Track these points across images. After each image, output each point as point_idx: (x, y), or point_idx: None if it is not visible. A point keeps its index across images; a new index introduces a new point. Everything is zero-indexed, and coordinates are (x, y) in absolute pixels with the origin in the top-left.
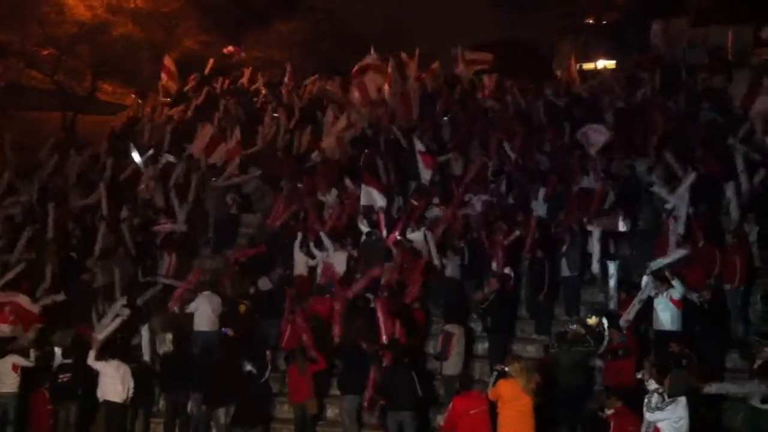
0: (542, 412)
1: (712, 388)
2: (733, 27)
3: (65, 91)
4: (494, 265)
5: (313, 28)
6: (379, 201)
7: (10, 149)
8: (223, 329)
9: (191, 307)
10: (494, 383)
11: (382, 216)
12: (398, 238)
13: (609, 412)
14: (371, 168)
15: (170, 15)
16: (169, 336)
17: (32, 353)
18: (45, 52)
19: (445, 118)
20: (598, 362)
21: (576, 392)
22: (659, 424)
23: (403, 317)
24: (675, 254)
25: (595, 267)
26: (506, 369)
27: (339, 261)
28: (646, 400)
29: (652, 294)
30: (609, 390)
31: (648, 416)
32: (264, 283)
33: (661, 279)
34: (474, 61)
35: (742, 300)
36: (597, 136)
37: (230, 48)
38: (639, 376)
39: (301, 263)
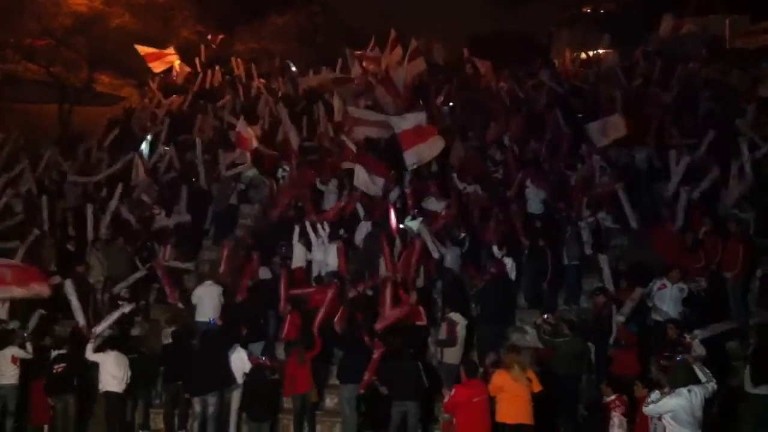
0: (541, 401)
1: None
2: (729, 17)
3: (62, 83)
4: (495, 252)
5: (308, 21)
6: (374, 188)
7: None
8: (211, 319)
9: (194, 298)
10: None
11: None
12: (400, 226)
13: (608, 399)
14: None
15: (166, 6)
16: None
17: (29, 345)
18: (41, 44)
19: (446, 108)
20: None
21: (574, 381)
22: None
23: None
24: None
25: (588, 249)
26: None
27: (334, 254)
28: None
29: (654, 288)
30: (609, 378)
31: (643, 410)
32: (264, 273)
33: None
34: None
35: (742, 288)
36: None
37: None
38: None
39: (300, 256)
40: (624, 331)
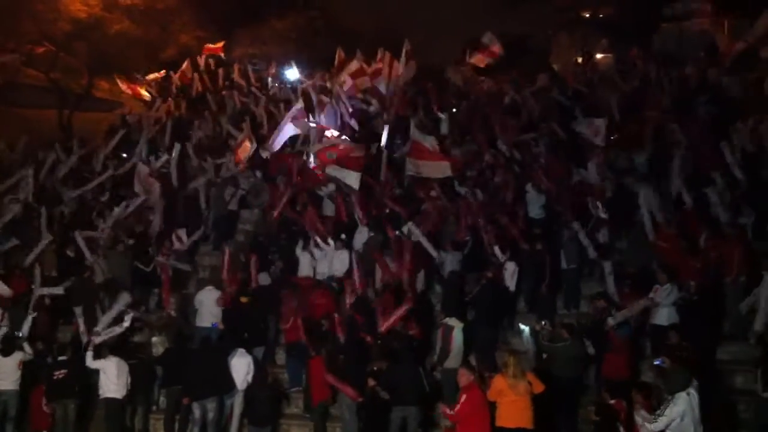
0: (541, 406)
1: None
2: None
3: (61, 89)
4: (498, 255)
5: (307, 25)
6: (352, 182)
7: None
8: (213, 324)
9: (195, 303)
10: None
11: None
12: (396, 233)
13: (612, 401)
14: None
15: (166, 11)
16: (162, 338)
17: (26, 346)
18: (41, 50)
19: (442, 115)
20: (591, 349)
21: (573, 386)
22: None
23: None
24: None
25: (592, 253)
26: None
27: (341, 260)
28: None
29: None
30: (606, 382)
31: (650, 428)
32: (264, 278)
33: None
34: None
35: (744, 291)
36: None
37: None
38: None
39: (305, 264)
40: (613, 334)
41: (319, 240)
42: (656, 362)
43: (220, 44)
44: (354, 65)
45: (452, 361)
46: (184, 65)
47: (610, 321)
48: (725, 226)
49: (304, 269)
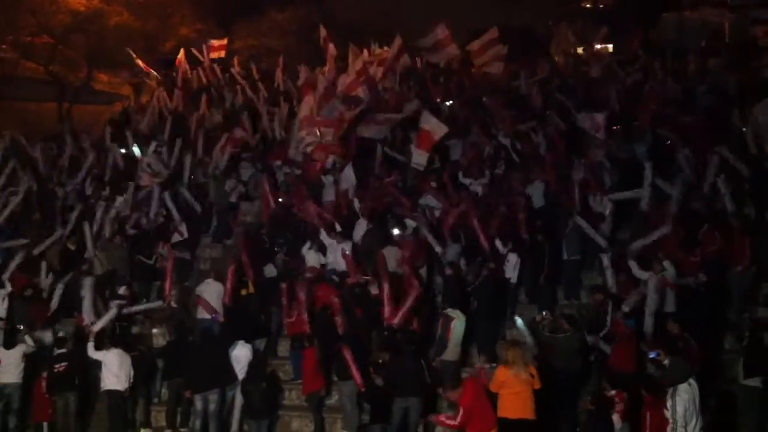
0: (542, 397)
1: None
2: (729, 10)
3: (60, 82)
4: (499, 248)
5: (306, 17)
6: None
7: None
8: (213, 316)
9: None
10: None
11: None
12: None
13: (609, 394)
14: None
15: (165, 4)
16: (163, 330)
17: (27, 338)
18: (39, 42)
19: (448, 103)
20: (603, 346)
21: (575, 377)
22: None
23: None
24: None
25: (602, 242)
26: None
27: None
28: None
29: (646, 277)
30: (608, 374)
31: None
32: (269, 270)
33: (654, 261)
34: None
35: (752, 282)
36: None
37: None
38: None
39: (312, 262)
40: (621, 325)
41: (325, 234)
42: (651, 355)
43: (224, 42)
44: (362, 59)
45: (450, 354)
46: (181, 56)
47: (625, 308)
48: (731, 217)
49: (310, 264)
